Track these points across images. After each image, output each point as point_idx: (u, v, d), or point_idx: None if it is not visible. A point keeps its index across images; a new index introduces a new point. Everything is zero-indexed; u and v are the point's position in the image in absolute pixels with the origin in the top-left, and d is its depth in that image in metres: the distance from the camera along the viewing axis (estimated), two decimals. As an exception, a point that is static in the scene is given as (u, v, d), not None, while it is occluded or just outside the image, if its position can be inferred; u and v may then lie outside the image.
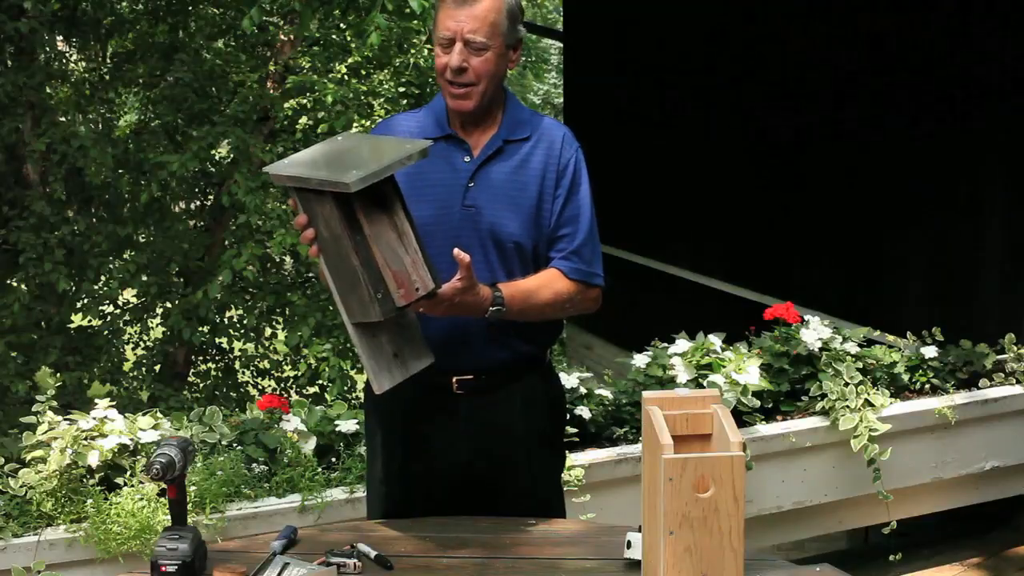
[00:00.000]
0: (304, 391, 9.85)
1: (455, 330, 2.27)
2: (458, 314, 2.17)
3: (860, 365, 3.70)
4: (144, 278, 9.14)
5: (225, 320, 9.89)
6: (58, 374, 8.75)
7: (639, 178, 7.25)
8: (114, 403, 3.09)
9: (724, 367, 3.52)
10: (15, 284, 9.00)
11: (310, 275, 9.98)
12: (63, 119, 9.38)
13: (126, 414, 3.08)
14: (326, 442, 3.20)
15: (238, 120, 9.03)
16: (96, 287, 9.27)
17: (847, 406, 3.54)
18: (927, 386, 3.80)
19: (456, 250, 2.09)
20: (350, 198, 2.00)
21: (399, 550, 2.13)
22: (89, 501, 2.83)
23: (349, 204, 2.01)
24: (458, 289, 2.11)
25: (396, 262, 2.04)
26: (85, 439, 2.91)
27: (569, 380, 3.44)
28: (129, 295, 9.88)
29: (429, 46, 9.08)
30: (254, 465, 3.05)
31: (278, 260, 10.22)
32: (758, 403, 3.52)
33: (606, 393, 3.54)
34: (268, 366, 10.38)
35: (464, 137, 2.33)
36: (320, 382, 9.20)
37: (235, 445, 3.11)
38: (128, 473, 2.92)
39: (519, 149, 2.34)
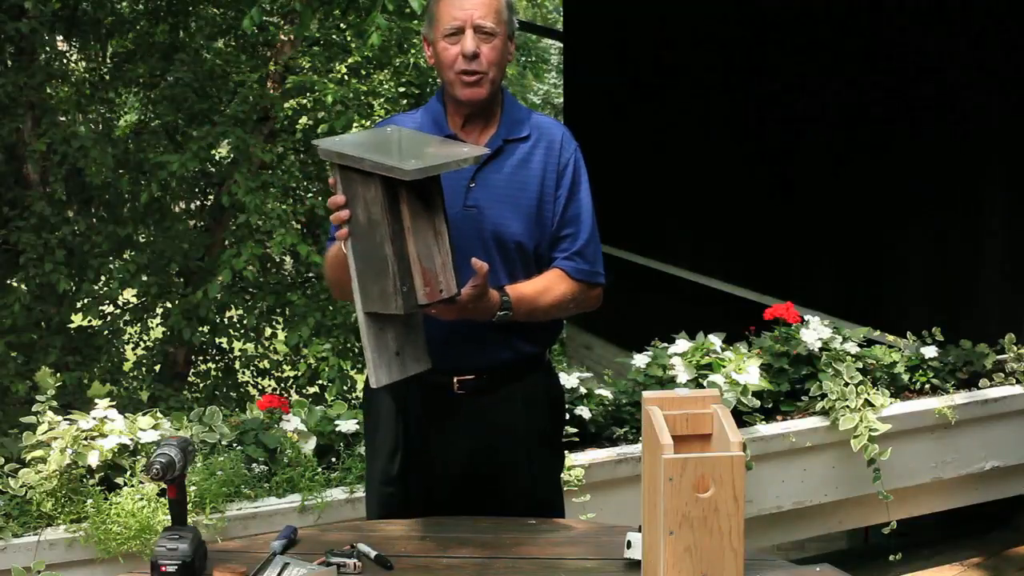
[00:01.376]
0: (304, 391, 9.85)
1: (457, 330, 2.27)
2: (467, 317, 2.18)
3: (860, 365, 3.70)
4: (144, 278, 9.12)
5: (225, 320, 9.88)
6: (58, 374, 8.74)
7: (639, 178, 7.25)
8: (114, 403, 3.10)
9: (724, 367, 3.53)
10: (15, 284, 8.99)
11: (310, 275, 9.97)
12: (63, 119, 9.37)
13: (126, 414, 3.08)
14: (326, 442, 3.20)
15: (238, 120, 9.02)
16: (96, 287, 9.26)
17: (847, 406, 3.54)
18: (927, 386, 3.81)
19: (474, 259, 2.11)
20: (398, 187, 2.00)
21: (399, 550, 2.13)
22: (89, 501, 2.83)
23: (395, 193, 2.02)
24: (472, 295, 2.12)
25: (428, 260, 2.05)
26: (85, 439, 2.91)
27: (569, 380, 3.44)
28: (129, 295, 9.88)
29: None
30: (254, 465, 3.05)
31: (278, 260, 10.21)
32: (758, 403, 3.52)
33: (606, 393, 3.54)
34: (268, 366, 10.37)
35: (464, 137, 2.33)
36: (320, 382, 9.20)
37: (235, 445, 3.11)
38: (128, 473, 2.92)
39: (519, 148, 2.35)
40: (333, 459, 3.17)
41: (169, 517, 2.13)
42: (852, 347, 3.75)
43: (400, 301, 2.04)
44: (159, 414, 3.12)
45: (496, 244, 2.30)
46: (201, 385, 10.27)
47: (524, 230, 2.31)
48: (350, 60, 9.82)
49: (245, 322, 9.85)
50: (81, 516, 2.84)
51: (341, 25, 10.03)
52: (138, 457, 2.96)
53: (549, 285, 2.32)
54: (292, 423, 3.19)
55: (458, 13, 2.26)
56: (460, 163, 2.08)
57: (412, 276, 2.04)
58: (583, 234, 2.36)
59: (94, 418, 2.98)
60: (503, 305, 2.21)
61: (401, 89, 9.87)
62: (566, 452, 3.21)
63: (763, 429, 3.53)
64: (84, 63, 10.64)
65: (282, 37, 9.83)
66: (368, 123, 8.98)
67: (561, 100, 10.23)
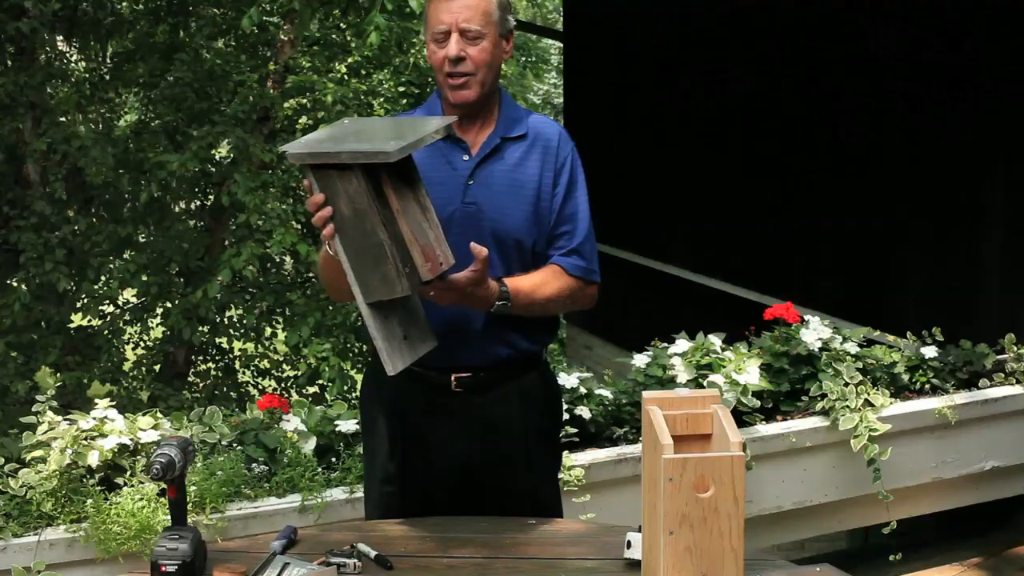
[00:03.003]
0: (304, 391, 9.85)
1: (455, 327, 2.27)
2: (465, 305, 2.19)
3: (860, 365, 3.70)
4: (144, 278, 9.13)
5: (225, 320, 9.89)
6: (58, 374, 8.71)
7: (639, 178, 7.25)
8: (114, 403, 3.10)
9: (724, 367, 3.52)
10: (15, 284, 8.99)
11: (310, 275, 9.98)
12: (63, 119, 9.37)
13: (126, 414, 3.08)
14: (326, 442, 3.20)
15: (238, 120, 9.02)
16: (96, 287, 9.27)
17: (847, 406, 3.54)
18: (927, 386, 3.80)
19: (473, 244, 2.11)
20: (379, 172, 2.01)
21: (399, 550, 2.13)
22: (89, 501, 2.83)
23: (377, 179, 2.02)
24: (471, 279, 2.12)
25: (422, 236, 2.06)
26: (85, 439, 2.91)
27: (569, 380, 3.44)
28: (129, 295, 9.88)
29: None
30: (254, 465, 3.05)
31: (278, 260, 10.21)
32: (758, 403, 3.52)
33: (606, 393, 3.54)
34: (268, 366, 10.38)
35: (461, 135, 2.34)
36: (320, 382, 9.20)
37: (235, 445, 3.11)
38: (128, 473, 2.92)
39: (516, 147, 2.36)
40: (333, 459, 3.17)
41: (169, 517, 2.13)
42: (852, 347, 3.75)
43: (405, 282, 2.04)
44: (159, 414, 3.12)
45: (494, 241, 2.30)
46: (201, 385, 10.28)
47: (522, 227, 2.32)
48: (350, 60, 9.83)
49: (245, 322, 9.86)
50: (81, 516, 2.84)
51: (341, 25, 10.04)
52: (138, 457, 2.96)
53: (546, 280, 2.33)
54: (292, 423, 3.19)
55: (444, 16, 2.26)
56: (433, 135, 2.08)
57: (411, 255, 2.04)
58: (580, 232, 2.38)
59: (94, 418, 2.98)
60: (502, 295, 2.22)
61: (401, 89, 9.89)
62: (566, 452, 3.21)
63: (763, 429, 3.53)
64: (84, 63, 10.65)
65: (282, 37, 9.84)
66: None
67: (561, 100, 10.23)
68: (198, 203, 10.65)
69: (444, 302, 2.15)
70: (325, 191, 2.06)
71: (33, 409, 2.98)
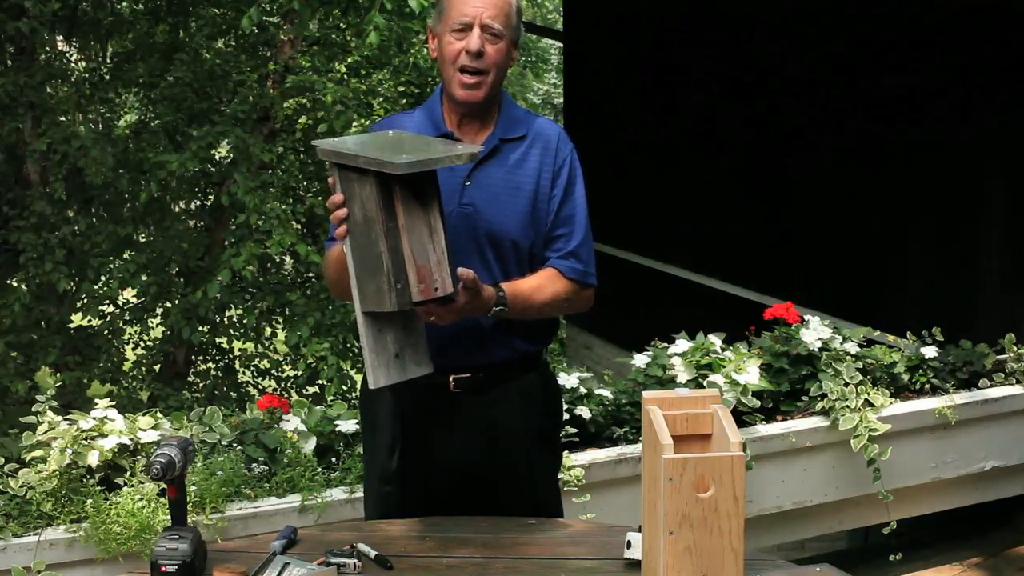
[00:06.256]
0: (304, 391, 9.84)
1: (454, 329, 2.27)
2: (465, 316, 2.18)
3: (860, 365, 3.70)
4: (144, 278, 9.12)
5: (225, 320, 9.88)
6: (58, 374, 8.71)
7: (639, 178, 7.25)
8: (114, 403, 3.10)
9: (724, 367, 3.53)
10: (15, 284, 8.99)
11: (310, 275, 9.97)
12: (63, 119, 9.36)
13: (126, 414, 3.08)
14: (326, 442, 3.20)
15: (238, 120, 9.01)
16: (96, 287, 9.26)
17: (847, 406, 3.54)
18: (927, 386, 3.81)
19: (460, 268, 2.11)
20: (391, 184, 2.01)
21: (399, 550, 2.13)
22: (89, 501, 2.84)
23: (389, 190, 2.02)
24: (466, 301, 2.13)
25: (422, 257, 2.05)
26: (85, 439, 2.91)
27: (569, 380, 3.45)
28: (129, 295, 9.88)
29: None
30: (254, 465, 3.06)
31: (278, 260, 10.21)
32: (758, 403, 3.52)
33: (606, 393, 3.55)
34: (268, 366, 10.38)
35: (460, 136, 2.34)
36: (320, 382, 9.20)
37: (235, 445, 3.12)
38: (128, 473, 2.92)
39: (515, 148, 2.36)
40: (333, 459, 3.17)
41: (169, 517, 2.13)
42: (852, 347, 3.75)
43: (394, 298, 2.04)
44: (159, 414, 3.12)
45: (490, 243, 2.31)
46: (201, 385, 10.27)
47: (519, 229, 2.32)
48: (350, 60, 9.82)
49: (245, 322, 9.85)
50: (81, 516, 2.84)
51: (341, 25, 10.04)
52: (138, 457, 2.96)
53: (543, 283, 2.33)
54: (292, 423, 3.19)
55: (468, 10, 2.26)
56: (453, 159, 2.07)
57: (406, 273, 2.04)
58: (577, 235, 2.37)
59: (94, 418, 2.98)
60: (499, 300, 2.22)
61: (400, 89, 9.87)
62: (566, 452, 3.21)
63: (763, 429, 3.53)
64: (84, 63, 10.64)
65: (282, 37, 9.83)
66: (367, 122, 8.97)
67: (561, 100, 10.24)
68: (198, 203, 10.65)
69: (444, 321, 2.15)
70: (345, 192, 2.08)
71: (33, 409, 2.98)
